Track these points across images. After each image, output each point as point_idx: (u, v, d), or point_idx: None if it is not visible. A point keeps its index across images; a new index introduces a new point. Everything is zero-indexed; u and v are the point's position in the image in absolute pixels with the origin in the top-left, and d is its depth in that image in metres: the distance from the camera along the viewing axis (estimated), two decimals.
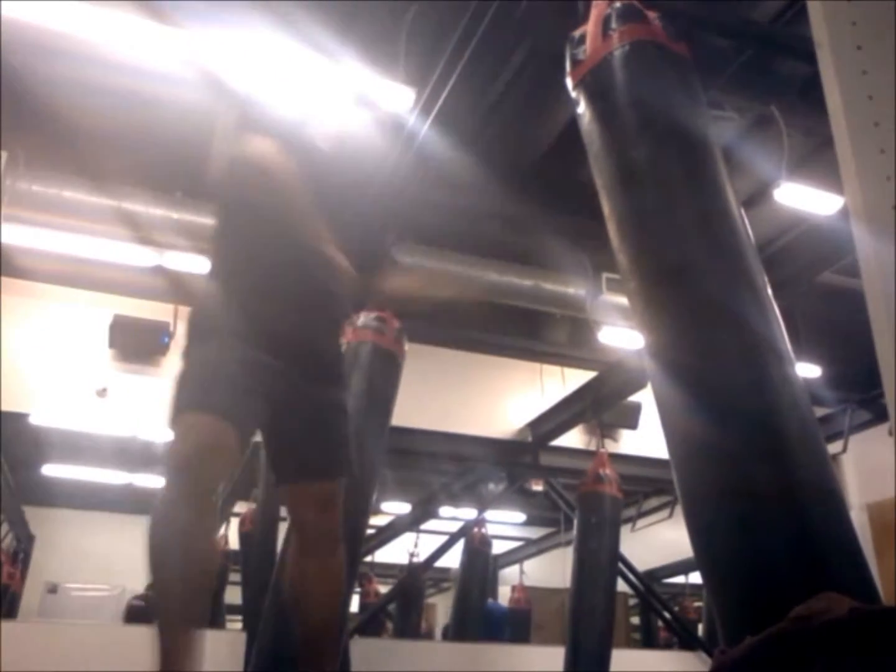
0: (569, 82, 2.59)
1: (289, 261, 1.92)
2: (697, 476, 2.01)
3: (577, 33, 2.57)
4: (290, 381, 1.87)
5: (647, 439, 6.83)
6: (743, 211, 2.31)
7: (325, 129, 2.09)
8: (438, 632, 10.32)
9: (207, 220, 4.49)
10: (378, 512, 8.53)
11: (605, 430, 6.77)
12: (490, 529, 8.71)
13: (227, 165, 2.04)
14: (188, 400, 1.75)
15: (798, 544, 1.78)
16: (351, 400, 3.97)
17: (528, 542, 10.94)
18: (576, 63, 2.55)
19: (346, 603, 3.85)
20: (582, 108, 2.52)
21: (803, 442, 1.93)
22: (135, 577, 8.19)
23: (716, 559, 1.94)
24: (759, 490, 1.85)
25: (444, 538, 6.78)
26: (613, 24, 2.45)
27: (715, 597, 1.98)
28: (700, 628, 8.30)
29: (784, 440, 1.90)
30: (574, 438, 7.29)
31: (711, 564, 1.97)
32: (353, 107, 3.62)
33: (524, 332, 7.10)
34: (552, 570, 9.08)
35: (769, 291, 2.16)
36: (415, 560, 8.44)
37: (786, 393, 1.98)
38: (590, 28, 2.51)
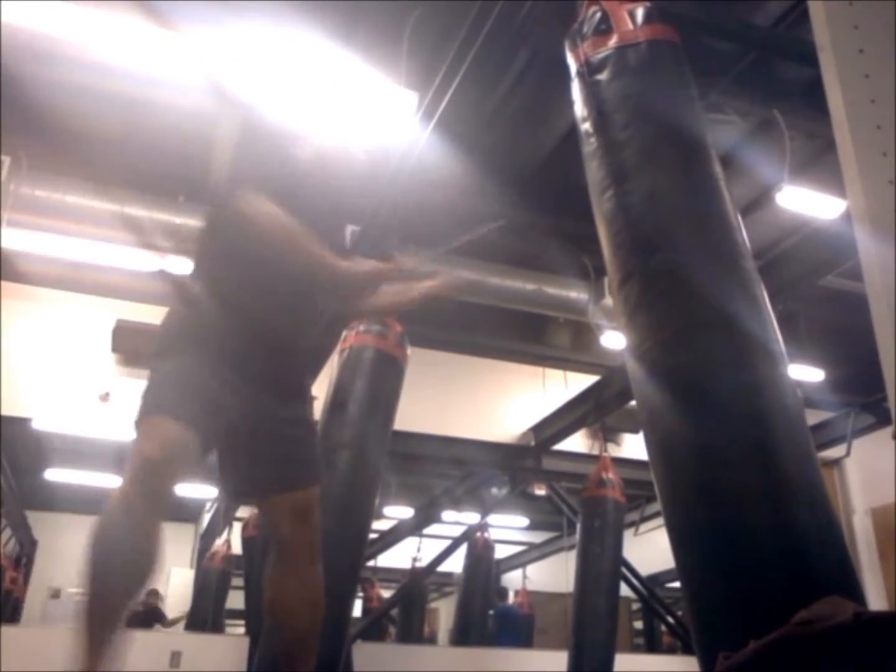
0: (572, 86, 2.59)
1: (280, 303, 2.00)
2: (680, 478, 1.98)
3: (575, 27, 2.58)
4: (258, 404, 1.94)
5: None
6: (738, 212, 2.29)
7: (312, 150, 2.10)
8: (442, 637, 10.30)
9: None
10: (380, 516, 8.52)
11: (608, 433, 6.75)
12: (493, 534, 8.70)
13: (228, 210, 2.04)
14: (155, 405, 1.82)
15: (783, 549, 1.75)
16: (353, 404, 4.01)
17: (531, 547, 10.92)
18: (574, 59, 2.56)
19: (348, 607, 3.85)
20: (578, 108, 2.52)
21: (791, 445, 1.89)
22: None
23: (697, 563, 1.91)
24: (743, 493, 1.82)
25: (447, 542, 6.77)
26: (611, 23, 2.45)
27: (693, 602, 1.94)
28: None
29: (771, 443, 1.87)
30: (577, 442, 7.27)
31: (693, 568, 1.93)
32: (353, 113, 3.63)
33: (527, 335, 7.10)
34: (555, 574, 9.06)
35: (763, 292, 2.13)
36: (417, 565, 8.42)
37: (775, 395, 1.94)
38: (587, 26, 2.52)
